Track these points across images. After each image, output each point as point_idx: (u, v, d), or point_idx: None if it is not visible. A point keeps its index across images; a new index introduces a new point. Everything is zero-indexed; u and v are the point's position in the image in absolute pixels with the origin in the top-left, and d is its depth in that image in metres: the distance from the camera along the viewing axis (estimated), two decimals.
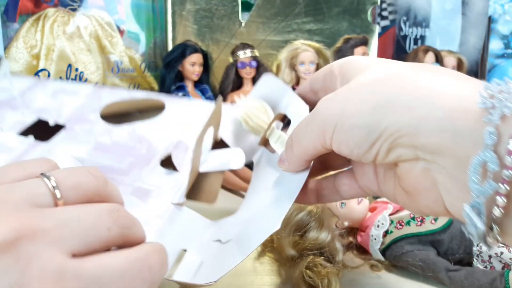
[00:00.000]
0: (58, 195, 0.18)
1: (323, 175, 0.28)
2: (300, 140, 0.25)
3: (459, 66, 0.76)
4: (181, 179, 0.33)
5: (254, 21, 0.73)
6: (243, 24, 0.77)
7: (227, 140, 0.37)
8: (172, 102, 0.40)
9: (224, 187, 0.58)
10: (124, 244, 0.19)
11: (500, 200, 0.17)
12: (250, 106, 0.32)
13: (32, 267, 0.16)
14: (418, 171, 0.21)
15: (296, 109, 0.30)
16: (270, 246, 0.38)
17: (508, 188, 0.17)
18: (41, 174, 0.19)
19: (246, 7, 0.74)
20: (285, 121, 0.32)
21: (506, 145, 0.17)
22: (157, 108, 0.40)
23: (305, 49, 0.67)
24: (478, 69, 0.80)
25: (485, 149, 0.17)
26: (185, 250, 0.30)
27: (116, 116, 0.39)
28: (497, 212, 0.18)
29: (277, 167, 0.28)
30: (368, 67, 0.23)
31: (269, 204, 0.28)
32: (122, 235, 0.19)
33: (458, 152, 0.18)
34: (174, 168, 0.35)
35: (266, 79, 0.34)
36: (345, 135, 0.22)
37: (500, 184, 0.17)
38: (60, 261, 0.16)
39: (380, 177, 0.24)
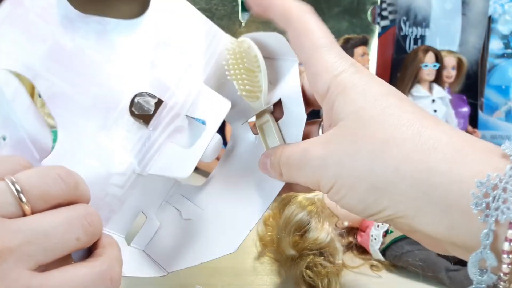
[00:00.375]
0: (26, 207, 0.18)
1: None
2: (291, 176, 0.25)
3: (459, 66, 0.76)
4: (151, 140, 0.29)
5: (254, 21, 0.73)
6: (243, 24, 0.77)
7: (209, 82, 0.30)
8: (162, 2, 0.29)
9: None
10: (88, 245, 0.20)
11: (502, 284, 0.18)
12: (242, 53, 0.28)
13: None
14: (415, 235, 0.22)
15: (293, 104, 0.27)
16: (270, 246, 0.38)
17: (507, 276, 0.18)
18: (8, 179, 0.18)
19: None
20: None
21: (502, 246, 0.17)
22: (139, 4, 0.29)
23: None
24: (478, 69, 0.80)
25: (482, 248, 0.18)
26: (143, 213, 0.32)
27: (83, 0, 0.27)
28: None
29: (256, 161, 0.28)
30: (361, 109, 0.21)
31: (240, 211, 0.29)
32: (90, 241, 0.20)
33: (454, 240, 0.19)
34: (145, 121, 0.29)
35: (279, 37, 0.28)
36: (342, 201, 0.22)
37: (500, 275, 0.18)
38: (26, 279, 0.17)
39: None
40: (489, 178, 0.18)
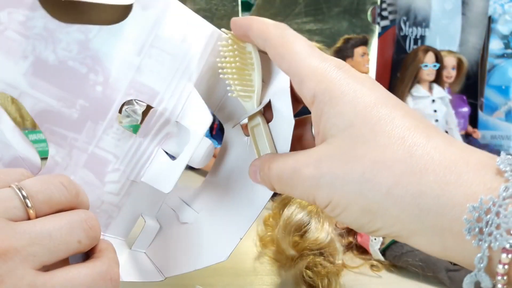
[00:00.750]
0: (31, 212, 0.19)
1: None
2: (284, 192, 0.24)
3: (459, 66, 0.76)
4: (142, 147, 0.29)
5: None
6: None
7: (202, 81, 0.29)
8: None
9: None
10: (88, 248, 0.21)
11: None
12: (235, 50, 0.26)
13: (5, 285, 0.17)
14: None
15: (282, 106, 0.26)
16: (270, 246, 0.38)
17: None
18: (15, 186, 0.19)
19: (246, 7, 0.74)
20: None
21: (496, 268, 0.17)
22: (121, 8, 0.27)
23: None
24: (478, 69, 0.80)
25: (477, 271, 0.18)
26: (143, 217, 0.32)
27: (60, 6, 0.26)
28: None
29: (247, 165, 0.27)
30: (351, 127, 0.20)
31: (231, 218, 0.29)
32: (90, 245, 0.21)
33: (450, 259, 0.19)
34: (140, 133, 0.29)
35: None
36: (338, 218, 0.22)
37: None
38: (31, 278, 0.18)
39: None
40: (481, 202, 0.17)
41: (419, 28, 0.79)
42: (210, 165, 0.63)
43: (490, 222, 0.17)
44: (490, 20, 0.78)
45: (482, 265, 0.18)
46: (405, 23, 0.79)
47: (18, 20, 0.25)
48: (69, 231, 0.19)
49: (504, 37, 0.77)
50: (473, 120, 0.86)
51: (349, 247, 0.38)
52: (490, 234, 0.17)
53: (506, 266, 0.17)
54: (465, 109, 0.86)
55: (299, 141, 0.27)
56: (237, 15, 0.74)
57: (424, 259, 0.34)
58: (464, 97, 0.86)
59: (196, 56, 0.28)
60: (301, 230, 0.36)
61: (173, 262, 0.30)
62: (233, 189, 0.29)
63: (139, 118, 0.29)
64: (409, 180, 0.19)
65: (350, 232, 0.39)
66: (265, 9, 0.72)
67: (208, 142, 0.31)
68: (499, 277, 0.17)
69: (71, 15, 0.26)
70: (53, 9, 0.25)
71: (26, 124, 0.69)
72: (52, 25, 0.25)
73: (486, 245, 0.17)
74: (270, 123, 0.27)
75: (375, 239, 0.36)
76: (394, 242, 0.36)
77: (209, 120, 0.27)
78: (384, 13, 0.79)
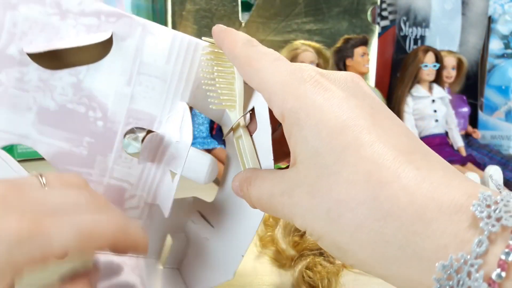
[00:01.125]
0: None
1: None
2: (266, 211, 0.23)
3: (459, 66, 0.76)
4: (152, 172, 0.30)
5: (254, 21, 0.73)
6: (243, 24, 0.77)
7: (196, 96, 0.30)
8: (122, 30, 0.28)
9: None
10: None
11: None
12: (214, 60, 0.26)
13: None
14: None
15: (262, 118, 0.25)
16: (270, 246, 0.38)
17: None
18: (35, 174, 0.22)
19: (246, 7, 0.75)
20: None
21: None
22: (101, 45, 0.28)
23: (305, 49, 0.67)
24: (478, 69, 0.80)
25: None
26: (170, 236, 0.33)
27: (47, 57, 0.27)
28: None
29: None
30: (316, 156, 0.19)
31: (234, 235, 0.28)
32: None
33: None
34: (145, 159, 0.29)
35: None
36: (317, 242, 0.21)
37: None
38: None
39: None
40: (452, 259, 0.15)
41: (419, 28, 0.79)
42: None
43: (461, 283, 0.15)
44: (490, 20, 0.78)
45: None
46: (405, 23, 0.79)
47: (15, 77, 0.26)
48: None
49: (504, 37, 0.77)
50: (473, 120, 0.86)
51: None
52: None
53: None
54: (465, 109, 0.86)
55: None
56: (237, 15, 0.74)
57: None
58: (464, 97, 0.86)
59: (184, 74, 0.28)
60: (301, 230, 0.36)
61: (194, 277, 0.31)
62: (234, 203, 0.29)
63: (139, 146, 0.30)
64: (372, 227, 0.17)
65: None
66: (265, 9, 0.73)
67: (210, 158, 0.31)
68: None
69: (59, 61, 0.28)
70: (42, 60, 0.27)
71: None
72: (45, 75, 0.27)
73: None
74: (254, 134, 0.26)
75: None
76: None
77: (188, 143, 0.27)
78: (384, 13, 0.79)
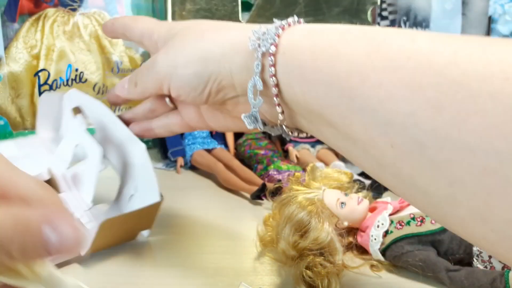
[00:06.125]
0: None
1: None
2: (143, 83, 0.32)
3: None
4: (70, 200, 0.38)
5: (254, 21, 0.73)
6: None
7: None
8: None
9: (224, 187, 0.58)
10: None
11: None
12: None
13: None
14: (242, 102, 0.29)
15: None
16: (270, 246, 0.38)
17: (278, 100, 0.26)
18: None
19: (246, 7, 0.74)
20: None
21: (268, 72, 0.25)
22: None
23: None
24: None
25: (254, 75, 0.25)
26: None
27: None
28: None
29: None
30: (186, 28, 0.30)
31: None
32: None
33: (244, 84, 0.27)
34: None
35: (45, 98, 0.40)
36: (182, 82, 0.29)
37: (274, 99, 0.26)
38: None
39: (206, 115, 0.33)
40: (260, 29, 0.25)
41: (419, 28, 0.79)
42: (211, 166, 0.63)
43: (264, 39, 0.25)
44: (490, 20, 0.78)
45: (258, 70, 0.25)
46: (405, 23, 0.79)
47: None
48: None
49: (504, 37, 0.77)
50: None
51: (349, 247, 0.38)
52: (260, 46, 0.25)
53: (272, 68, 0.24)
54: None
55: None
56: (237, 15, 0.74)
57: (424, 259, 0.34)
58: None
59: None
60: (301, 230, 0.36)
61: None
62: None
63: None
64: (223, 31, 0.28)
65: (350, 232, 0.39)
66: (265, 9, 0.72)
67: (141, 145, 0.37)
68: (270, 79, 0.25)
69: None
70: None
71: (26, 124, 0.69)
72: None
73: (261, 52, 0.24)
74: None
75: (375, 239, 0.36)
76: (394, 242, 0.36)
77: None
78: (384, 13, 0.79)
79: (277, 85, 0.25)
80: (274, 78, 0.25)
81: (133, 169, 0.37)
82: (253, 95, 0.26)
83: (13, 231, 0.15)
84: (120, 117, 0.37)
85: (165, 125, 0.36)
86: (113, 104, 0.37)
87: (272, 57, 0.24)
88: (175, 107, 0.36)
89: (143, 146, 0.36)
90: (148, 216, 0.38)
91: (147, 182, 0.36)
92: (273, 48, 0.24)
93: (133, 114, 0.37)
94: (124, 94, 0.35)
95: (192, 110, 0.34)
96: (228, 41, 0.27)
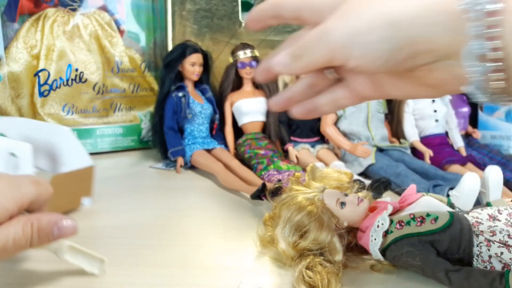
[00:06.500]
0: None
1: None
2: (311, 55, 0.28)
3: None
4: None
5: None
6: (243, 24, 0.77)
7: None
8: None
9: (224, 187, 0.58)
10: None
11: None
12: None
13: None
14: (440, 68, 0.26)
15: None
16: (270, 246, 0.38)
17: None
18: None
19: (246, 7, 0.74)
20: None
21: (488, 34, 0.22)
22: None
23: None
24: None
25: (472, 39, 0.23)
26: None
27: None
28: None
29: None
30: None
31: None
32: None
33: (452, 47, 0.24)
34: None
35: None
36: (366, 50, 0.26)
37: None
38: None
39: (385, 82, 0.30)
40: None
41: None
42: (210, 165, 0.63)
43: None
44: None
45: (477, 32, 0.22)
46: None
47: None
48: None
49: None
50: (473, 120, 0.86)
51: (349, 247, 0.38)
52: (477, 4, 0.22)
53: (498, 29, 0.22)
54: (465, 109, 0.86)
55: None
56: (237, 15, 0.74)
57: (424, 260, 0.34)
58: (464, 97, 0.86)
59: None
60: (301, 230, 0.36)
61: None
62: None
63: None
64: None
65: (350, 232, 0.39)
66: None
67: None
68: (491, 42, 0.22)
69: None
70: None
71: None
72: None
73: (479, 10, 0.22)
74: None
75: (375, 239, 0.36)
76: (394, 242, 0.36)
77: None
78: None
79: (501, 49, 0.23)
80: (498, 40, 0.22)
81: (63, 149, 0.45)
82: (474, 61, 0.23)
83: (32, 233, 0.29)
84: (278, 98, 0.34)
85: (332, 100, 0.32)
86: (260, 81, 0.34)
87: (496, 17, 0.22)
88: (339, 79, 0.32)
89: (67, 128, 0.44)
90: (85, 180, 0.47)
91: (77, 154, 0.46)
92: (499, 6, 0.22)
93: (291, 93, 0.33)
94: (285, 69, 0.30)
95: (365, 79, 0.30)
96: (421, 1, 0.24)
